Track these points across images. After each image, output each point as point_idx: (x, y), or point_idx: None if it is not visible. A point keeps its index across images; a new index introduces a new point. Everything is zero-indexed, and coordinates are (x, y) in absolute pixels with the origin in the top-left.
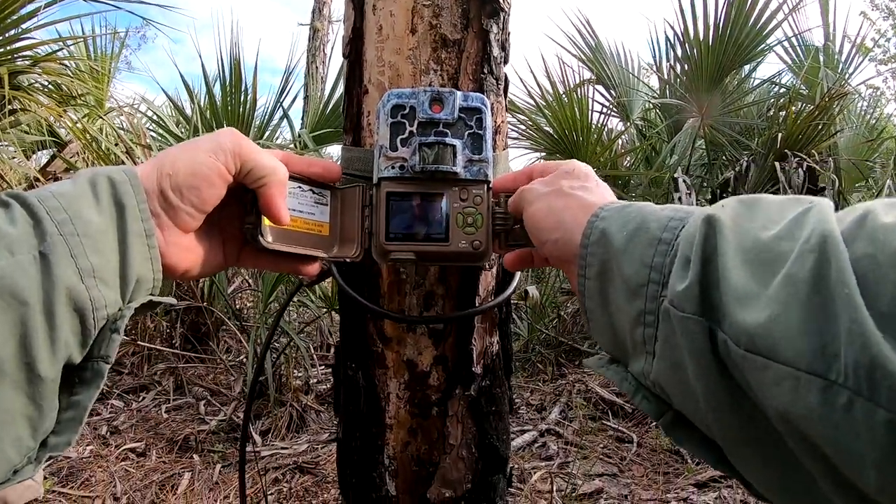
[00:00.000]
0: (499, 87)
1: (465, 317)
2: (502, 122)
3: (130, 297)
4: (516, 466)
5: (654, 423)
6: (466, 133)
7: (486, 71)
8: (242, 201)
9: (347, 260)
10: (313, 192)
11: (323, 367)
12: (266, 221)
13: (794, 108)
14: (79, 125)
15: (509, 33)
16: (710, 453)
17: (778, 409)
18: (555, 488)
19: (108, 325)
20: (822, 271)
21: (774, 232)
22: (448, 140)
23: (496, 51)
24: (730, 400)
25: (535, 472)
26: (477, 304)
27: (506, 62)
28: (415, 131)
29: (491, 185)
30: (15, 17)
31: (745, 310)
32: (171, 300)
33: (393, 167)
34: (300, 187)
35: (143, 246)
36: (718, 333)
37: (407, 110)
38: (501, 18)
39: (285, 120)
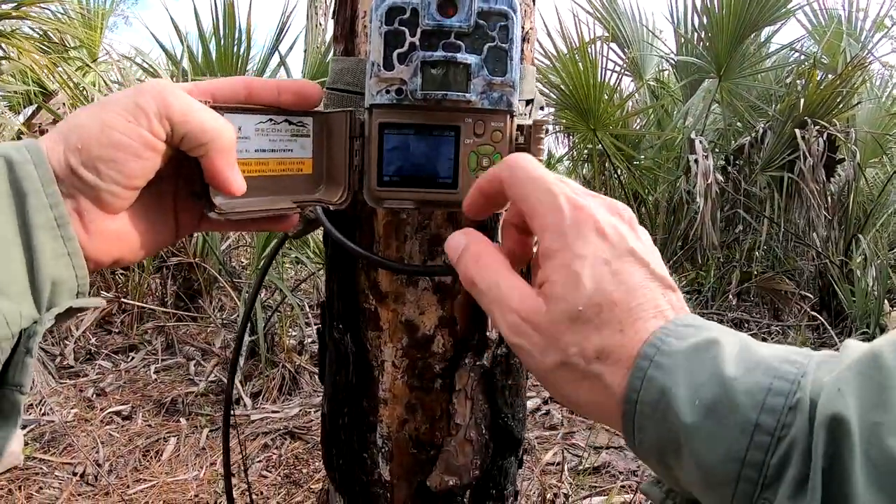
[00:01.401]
0: None
1: None
2: (531, 28)
3: (49, 304)
4: None
5: None
6: (486, 46)
7: None
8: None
9: (331, 207)
10: (290, 123)
11: (319, 326)
12: None
13: (815, 73)
14: (65, 74)
15: None
16: None
17: None
18: (565, 466)
19: (22, 345)
20: None
21: None
22: (460, 57)
23: None
24: None
25: (538, 443)
26: None
27: None
28: (417, 43)
29: (515, 115)
30: None
31: None
32: (99, 302)
33: (388, 91)
34: (272, 120)
35: (55, 240)
36: None
37: (407, 14)
38: None
39: (283, 69)
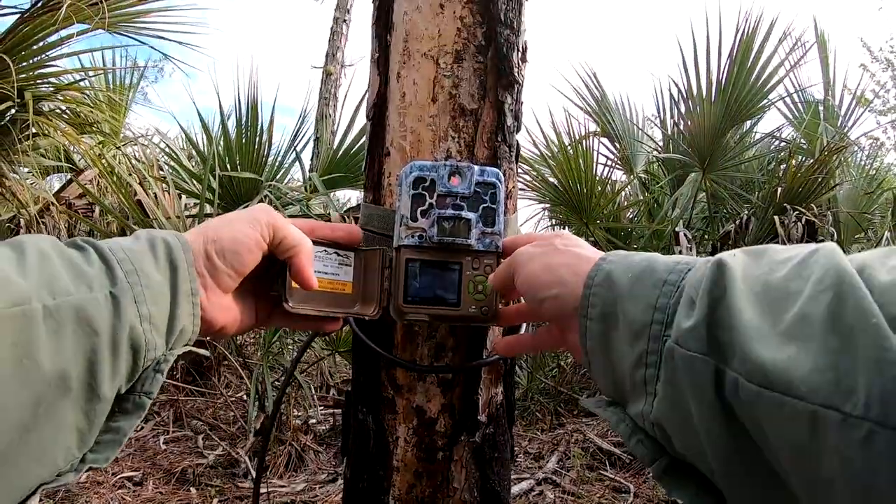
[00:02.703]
0: (511, 154)
1: (473, 368)
2: (513, 186)
3: (173, 345)
4: None
5: (651, 474)
6: (481, 207)
7: (500, 139)
8: (272, 269)
9: (367, 318)
10: (338, 255)
11: (322, 408)
12: (292, 285)
13: (794, 161)
14: (96, 151)
15: (522, 103)
16: (703, 502)
17: (793, 447)
18: None
19: (153, 366)
20: (838, 309)
21: (782, 273)
22: (464, 214)
23: (510, 120)
24: (734, 444)
25: None
26: (484, 357)
27: (518, 130)
28: (434, 203)
29: (501, 255)
30: (41, 45)
31: (759, 346)
32: (205, 352)
33: (412, 236)
34: (325, 251)
35: (189, 303)
36: (727, 373)
37: (427, 183)
38: (515, 90)
39: (298, 163)
